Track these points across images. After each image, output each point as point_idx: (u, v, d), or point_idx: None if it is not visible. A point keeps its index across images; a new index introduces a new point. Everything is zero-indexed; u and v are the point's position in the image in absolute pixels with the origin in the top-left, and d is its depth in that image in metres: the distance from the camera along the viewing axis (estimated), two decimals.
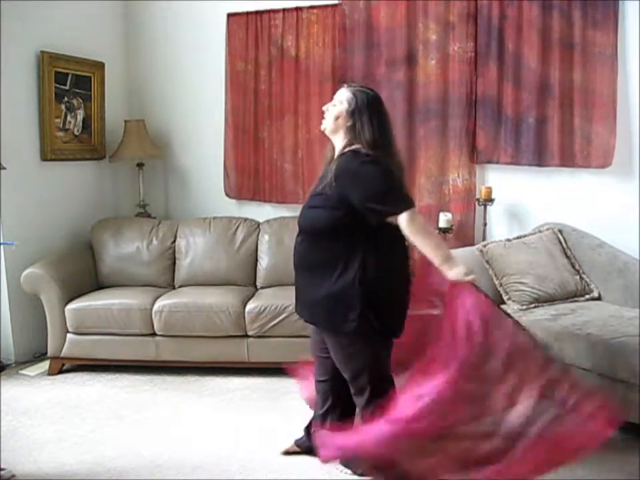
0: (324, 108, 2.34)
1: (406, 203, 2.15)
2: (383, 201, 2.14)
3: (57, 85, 3.95)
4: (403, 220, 2.13)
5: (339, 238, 2.21)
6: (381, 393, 2.29)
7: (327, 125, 2.30)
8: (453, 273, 2.11)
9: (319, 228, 2.25)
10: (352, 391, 2.39)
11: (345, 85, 2.33)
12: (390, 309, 2.24)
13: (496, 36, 3.75)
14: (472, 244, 3.80)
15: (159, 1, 4.46)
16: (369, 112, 2.21)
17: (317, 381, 2.57)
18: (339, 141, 2.29)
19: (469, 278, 2.09)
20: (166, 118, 4.55)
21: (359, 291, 2.17)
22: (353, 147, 2.23)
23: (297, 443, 2.65)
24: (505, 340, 2.09)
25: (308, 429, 2.64)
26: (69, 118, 4.09)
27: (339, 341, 2.30)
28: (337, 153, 2.30)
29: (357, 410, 2.43)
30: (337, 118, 2.26)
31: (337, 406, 2.51)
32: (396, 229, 2.19)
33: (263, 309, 3.46)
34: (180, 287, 3.96)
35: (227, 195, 4.40)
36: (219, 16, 4.25)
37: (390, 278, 2.23)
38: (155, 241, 4.06)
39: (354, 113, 2.22)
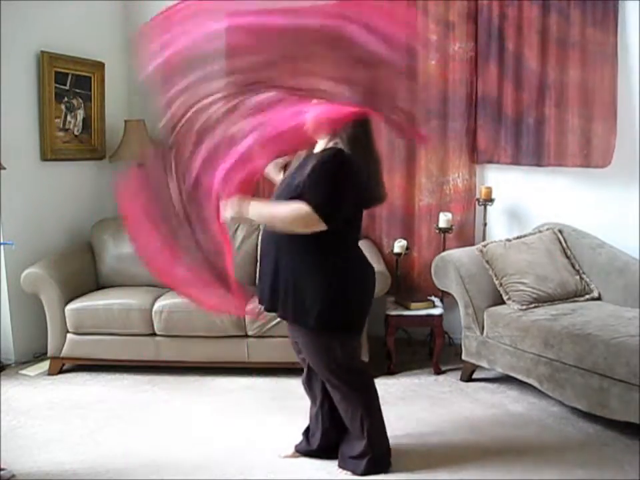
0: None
1: (316, 201, 2.13)
2: (309, 191, 2.16)
3: (57, 85, 3.95)
4: (302, 204, 2.13)
5: None
6: (353, 387, 2.38)
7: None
8: (239, 204, 2.20)
9: None
10: (327, 386, 2.45)
11: None
12: (345, 304, 2.27)
13: (496, 36, 3.75)
14: (472, 244, 3.80)
15: (158, 0, 4.44)
16: None
17: (303, 382, 2.63)
18: (322, 139, 2.31)
19: (226, 212, 2.20)
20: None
21: (314, 283, 2.22)
22: (334, 143, 2.24)
23: (297, 448, 2.66)
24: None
25: (307, 432, 2.65)
26: (69, 118, 4.09)
27: (295, 330, 2.39)
28: (317, 148, 2.32)
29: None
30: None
31: (324, 403, 2.54)
32: (358, 229, 2.35)
33: (263, 309, 3.45)
34: None
35: None
36: None
37: (348, 273, 2.28)
38: None
39: None
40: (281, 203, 2.20)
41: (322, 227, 2.14)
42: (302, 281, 2.25)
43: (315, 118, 2.19)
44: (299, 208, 2.13)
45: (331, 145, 2.25)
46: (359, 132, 2.22)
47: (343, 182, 2.16)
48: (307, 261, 2.22)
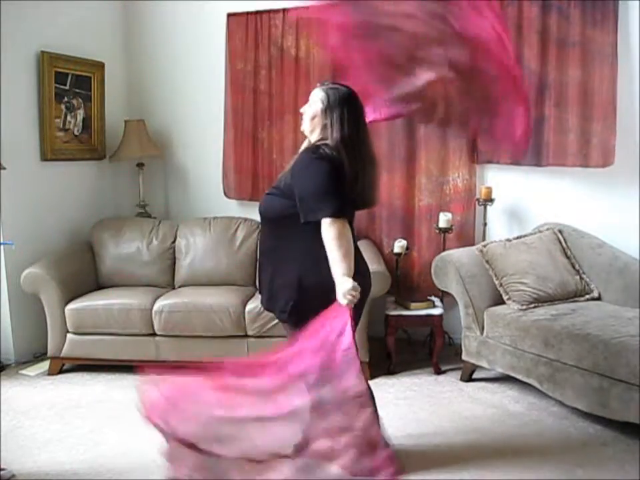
0: (301, 110, 2.35)
1: (330, 209, 2.11)
2: (308, 202, 2.14)
3: (57, 85, 3.95)
4: (323, 223, 2.12)
5: (290, 227, 2.23)
6: None
7: (305, 126, 2.33)
8: (339, 287, 2.05)
9: (271, 214, 2.31)
10: None
11: (319, 84, 2.35)
12: (322, 304, 2.21)
13: None
14: (472, 244, 3.80)
15: (159, 0, 4.46)
16: (341, 108, 2.23)
17: None
18: (314, 139, 2.31)
19: (345, 300, 2.01)
20: (166, 118, 4.55)
21: (295, 282, 2.22)
22: (320, 141, 2.24)
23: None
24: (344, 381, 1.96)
25: None
26: (68, 118, 4.09)
27: (288, 332, 2.36)
28: (307, 142, 2.34)
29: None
30: (313, 118, 2.28)
31: None
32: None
33: (263, 309, 3.45)
34: (180, 287, 3.96)
35: (226, 195, 4.40)
36: (219, 16, 4.25)
37: (328, 274, 2.22)
38: (155, 241, 4.06)
39: (326, 110, 2.24)
40: (328, 243, 2.10)
41: (346, 221, 2.14)
42: (281, 276, 2.27)
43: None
44: (330, 231, 2.10)
45: (318, 143, 2.25)
46: (355, 134, 2.22)
47: (325, 177, 2.14)
48: (287, 258, 2.24)
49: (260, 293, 2.47)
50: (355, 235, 2.43)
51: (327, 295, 2.23)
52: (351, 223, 2.37)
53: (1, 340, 3.75)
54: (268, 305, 2.40)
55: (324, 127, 2.25)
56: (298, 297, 2.23)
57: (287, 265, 2.25)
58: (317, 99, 2.28)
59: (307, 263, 2.21)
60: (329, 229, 2.11)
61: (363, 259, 2.42)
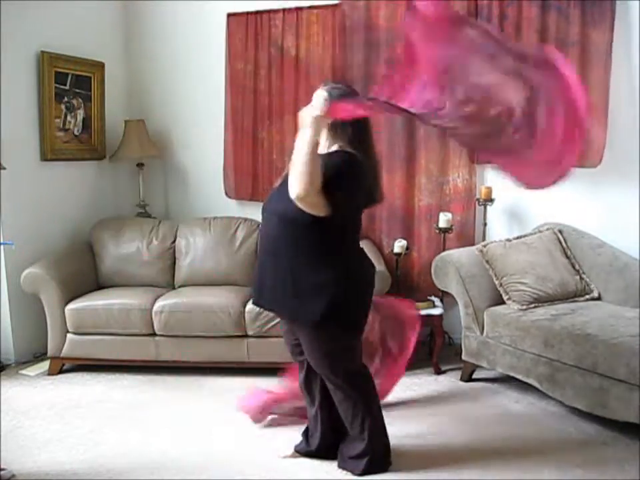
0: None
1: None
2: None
3: (57, 85, 3.95)
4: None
5: (316, 228, 2.22)
6: (355, 387, 2.40)
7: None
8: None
9: (296, 215, 2.22)
10: (329, 387, 2.45)
11: (321, 85, 2.34)
12: (349, 302, 2.28)
13: None
14: (472, 244, 3.80)
15: (159, 0, 4.46)
16: None
17: (300, 383, 2.62)
18: (322, 140, 2.30)
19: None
20: (166, 118, 4.55)
21: (320, 281, 2.23)
22: (338, 145, 2.27)
23: (297, 448, 2.66)
24: None
25: (306, 433, 2.65)
26: (69, 118, 4.09)
27: (299, 330, 2.37)
28: (319, 149, 2.28)
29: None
30: None
31: (323, 404, 2.55)
32: (359, 229, 2.40)
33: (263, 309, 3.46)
34: (180, 286, 3.96)
35: (227, 194, 4.41)
36: (219, 16, 4.25)
37: (353, 272, 2.31)
38: (154, 241, 4.06)
39: None
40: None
41: (322, 211, 2.12)
42: (306, 278, 2.24)
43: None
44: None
45: (335, 147, 2.27)
46: (359, 133, 2.23)
47: (354, 185, 2.18)
48: (311, 259, 2.23)
49: (258, 292, 2.43)
50: (361, 234, 2.45)
51: (353, 292, 2.29)
52: (359, 221, 2.39)
53: (1, 340, 3.76)
54: (273, 305, 2.39)
55: (331, 128, 2.26)
56: (321, 293, 2.23)
57: (303, 264, 2.24)
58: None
59: (328, 262, 2.24)
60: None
61: (370, 263, 2.43)
